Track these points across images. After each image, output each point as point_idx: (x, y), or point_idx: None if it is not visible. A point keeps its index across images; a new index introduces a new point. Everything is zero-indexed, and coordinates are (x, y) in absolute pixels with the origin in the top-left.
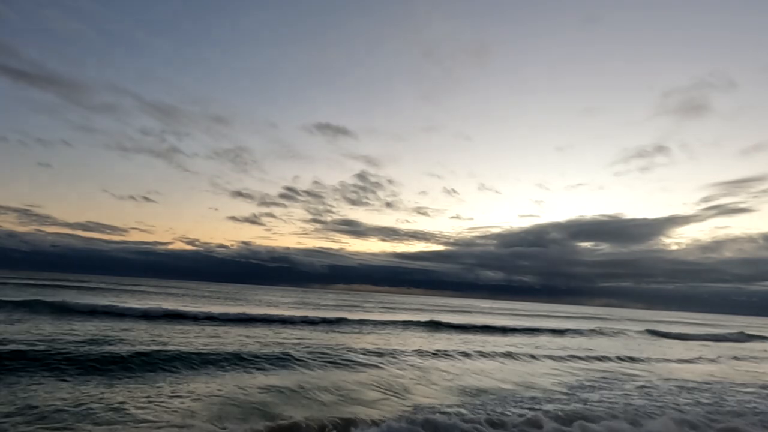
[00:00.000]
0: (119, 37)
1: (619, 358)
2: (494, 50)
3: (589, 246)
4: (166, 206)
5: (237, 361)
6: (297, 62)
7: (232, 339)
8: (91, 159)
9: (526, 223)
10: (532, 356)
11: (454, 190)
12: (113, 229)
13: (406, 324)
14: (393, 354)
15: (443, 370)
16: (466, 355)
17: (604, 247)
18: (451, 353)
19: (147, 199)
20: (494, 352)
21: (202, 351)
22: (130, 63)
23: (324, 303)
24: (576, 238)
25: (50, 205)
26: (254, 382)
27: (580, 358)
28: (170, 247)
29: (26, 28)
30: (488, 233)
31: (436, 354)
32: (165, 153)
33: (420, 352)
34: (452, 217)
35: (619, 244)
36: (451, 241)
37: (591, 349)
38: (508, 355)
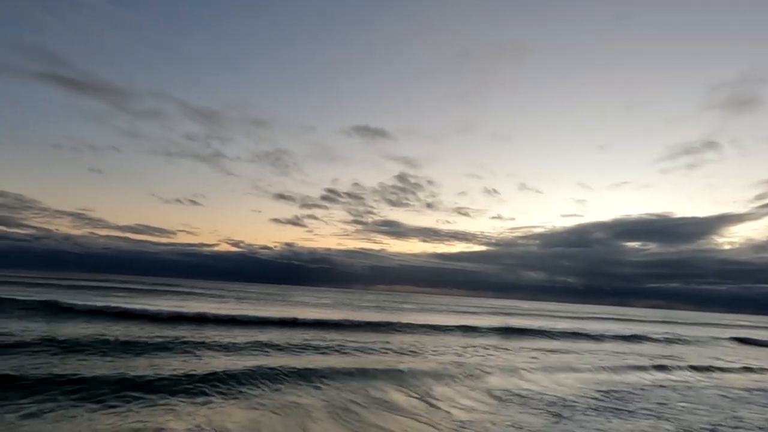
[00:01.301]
0: (163, 45)
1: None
2: (531, 49)
3: (635, 246)
4: (211, 209)
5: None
6: (334, 65)
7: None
8: (138, 164)
9: (569, 222)
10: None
11: (494, 190)
12: (161, 231)
13: (478, 330)
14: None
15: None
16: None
17: (652, 247)
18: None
19: (193, 202)
20: (647, 365)
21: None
22: (174, 70)
23: (392, 305)
24: (621, 238)
25: (102, 209)
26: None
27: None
28: (216, 248)
29: (77, 39)
30: (530, 233)
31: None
32: (209, 157)
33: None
34: (493, 218)
35: (668, 243)
36: (493, 241)
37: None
38: (663, 368)
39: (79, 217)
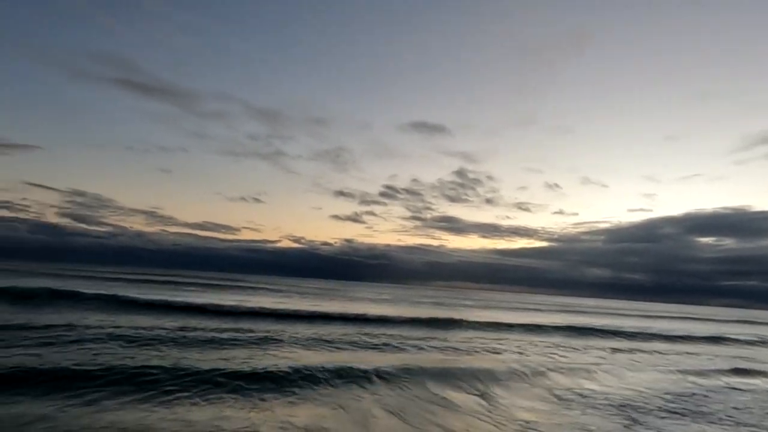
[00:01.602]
0: (227, 48)
1: None
2: (593, 38)
3: (709, 241)
4: (273, 206)
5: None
6: (392, 62)
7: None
8: (205, 164)
9: (636, 217)
10: None
11: (556, 185)
12: (227, 228)
13: (541, 328)
14: None
15: None
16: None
17: (728, 243)
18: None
19: (256, 199)
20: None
21: None
22: (238, 72)
23: (452, 301)
24: (693, 233)
25: (171, 207)
26: None
27: None
28: (278, 245)
29: (147, 46)
30: (594, 229)
31: None
32: (271, 156)
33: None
34: (555, 213)
35: (745, 238)
36: (555, 237)
37: None
38: (742, 371)
39: (151, 215)
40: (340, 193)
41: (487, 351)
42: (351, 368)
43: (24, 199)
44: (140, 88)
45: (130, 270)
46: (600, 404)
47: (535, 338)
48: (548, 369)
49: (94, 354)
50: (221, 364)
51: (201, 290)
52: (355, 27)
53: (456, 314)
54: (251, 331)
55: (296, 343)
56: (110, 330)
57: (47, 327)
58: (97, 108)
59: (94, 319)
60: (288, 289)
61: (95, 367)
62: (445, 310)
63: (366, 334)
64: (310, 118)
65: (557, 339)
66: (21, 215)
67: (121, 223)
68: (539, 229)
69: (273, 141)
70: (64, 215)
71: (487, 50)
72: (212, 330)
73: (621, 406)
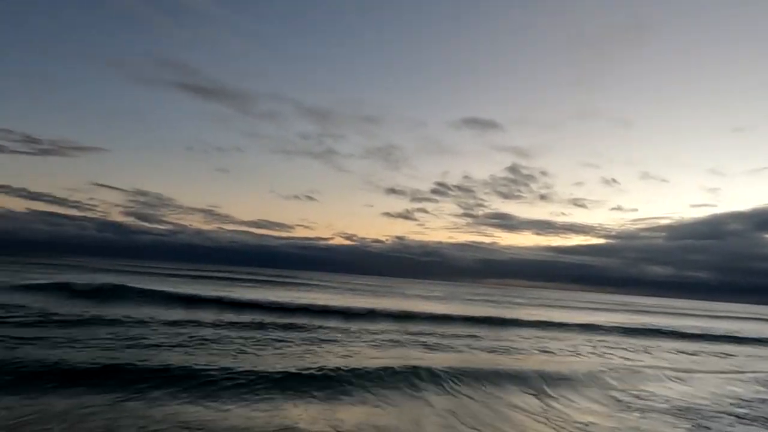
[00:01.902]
0: (279, 48)
1: None
2: (653, 27)
3: None
4: (325, 204)
5: None
6: (442, 59)
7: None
8: (259, 163)
9: (699, 213)
10: None
11: (613, 180)
12: (281, 225)
13: (600, 328)
14: None
15: None
16: None
17: None
18: None
19: (309, 197)
20: None
21: None
22: (289, 72)
23: (505, 299)
24: (762, 229)
25: (228, 206)
26: None
27: None
28: (330, 242)
29: (204, 49)
30: (655, 225)
31: None
32: (323, 154)
33: None
34: (613, 209)
35: None
36: (613, 234)
37: None
38: None
39: (208, 213)
40: (392, 191)
41: (543, 351)
42: (404, 367)
43: (91, 198)
44: (199, 90)
45: (189, 266)
46: (662, 408)
47: (593, 338)
48: (607, 370)
49: (153, 350)
50: (276, 363)
51: (258, 286)
52: (405, 24)
53: (510, 313)
54: (305, 328)
55: (349, 341)
56: (170, 328)
57: (113, 322)
58: (159, 111)
59: (156, 315)
60: (340, 285)
61: (157, 365)
62: (498, 308)
63: (418, 333)
64: (361, 117)
65: (616, 339)
66: (89, 214)
67: (181, 222)
68: (596, 225)
69: (324, 140)
70: (128, 214)
71: (541, 43)
72: (267, 326)
73: (685, 410)
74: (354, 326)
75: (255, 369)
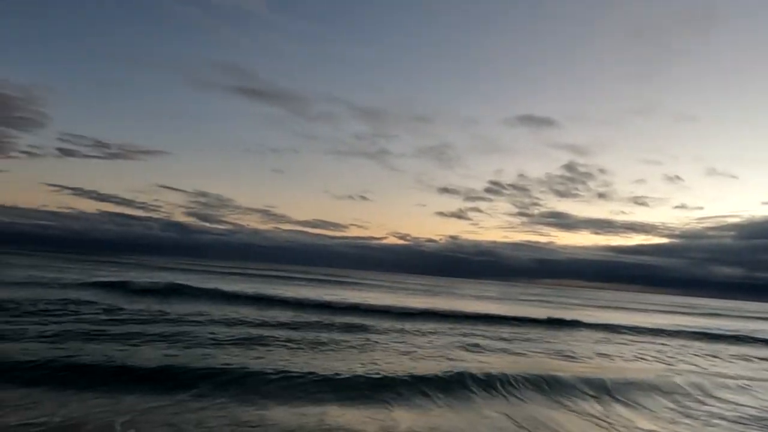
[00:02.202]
0: (331, 50)
1: None
2: (719, 17)
3: None
4: (378, 204)
5: None
6: (495, 56)
7: None
8: (313, 163)
9: None
10: None
11: (677, 177)
12: (335, 225)
13: (665, 332)
14: None
15: None
16: None
17: None
18: None
19: (362, 197)
20: None
21: None
22: (342, 73)
23: (563, 300)
24: None
25: (284, 206)
26: None
27: None
28: (384, 241)
29: (261, 53)
30: (723, 224)
31: None
32: (376, 154)
33: None
34: (676, 207)
35: None
36: (676, 233)
37: None
38: None
39: (265, 213)
40: (445, 190)
41: (602, 355)
42: (462, 373)
43: (156, 200)
44: (256, 94)
45: (246, 265)
46: (730, 416)
47: (657, 341)
48: (672, 375)
49: (210, 349)
50: (330, 364)
51: (316, 285)
52: (456, 22)
53: (568, 314)
54: (360, 328)
55: (401, 342)
56: (228, 329)
57: (175, 321)
58: (218, 114)
59: (217, 313)
60: (394, 285)
61: (217, 366)
62: (556, 308)
63: (471, 334)
64: (413, 116)
65: (681, 342)
66: (154, 215)
67: (239, 222)
68: (658, 224)
69: (377, 140)
70: (189, 214)
71: (596, 35)
72: (322, 327)
73: (755, 419)
74: (408, 326)
75: (309, 371)
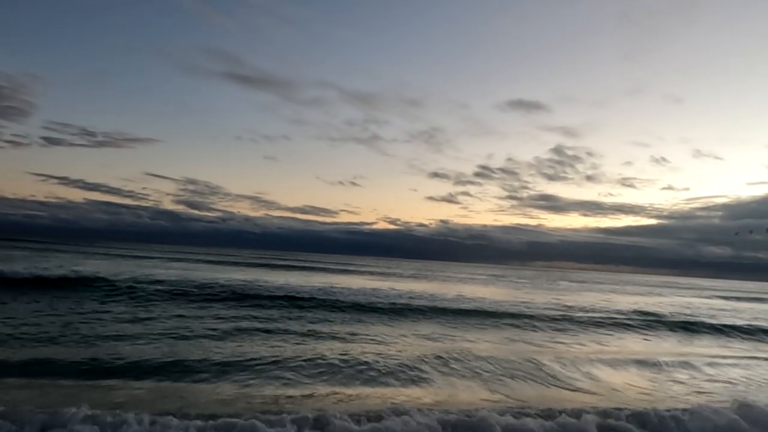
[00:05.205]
0: (321, 34)
1: None
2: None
3: None
4: (369, 189)
5: None
6: (485, 40)
7: None
8: (305, 150)
9: (758, 191)
10: None
11: (663, 159)
12: (326, 211)
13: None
14: None
15: None
16: None
17: None
18: None
19: (353, 183)
20: None
21: None
22: (332, 57)
23: (557, 283)
24: None
25: (275, 192)
26: None
27: None
28: (375, 226)
29: (250, 39)
30: (710, 204)
31: None
32: (367, 140)
33: None
34: (664, 188)
35: None
36: (665, 214)
37: None
38: None
39: (256, 200)
40: (435, 174)
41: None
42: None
43: (144, 188)
44: (246, 80)
45: (237, 252)
46: None
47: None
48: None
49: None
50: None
51: (307, 273)
52: (446, 5)
53: (570, 297)
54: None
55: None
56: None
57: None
58: (208, 101)
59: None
60: (385, 270)
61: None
62: (557, 294)
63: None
64: (405, 100)
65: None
66: (143, 203)
67: (230, 209)
68: (647, 205)
69: (369, 125)
70: (179, 202)
71: (585, 17)
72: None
73: None
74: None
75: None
